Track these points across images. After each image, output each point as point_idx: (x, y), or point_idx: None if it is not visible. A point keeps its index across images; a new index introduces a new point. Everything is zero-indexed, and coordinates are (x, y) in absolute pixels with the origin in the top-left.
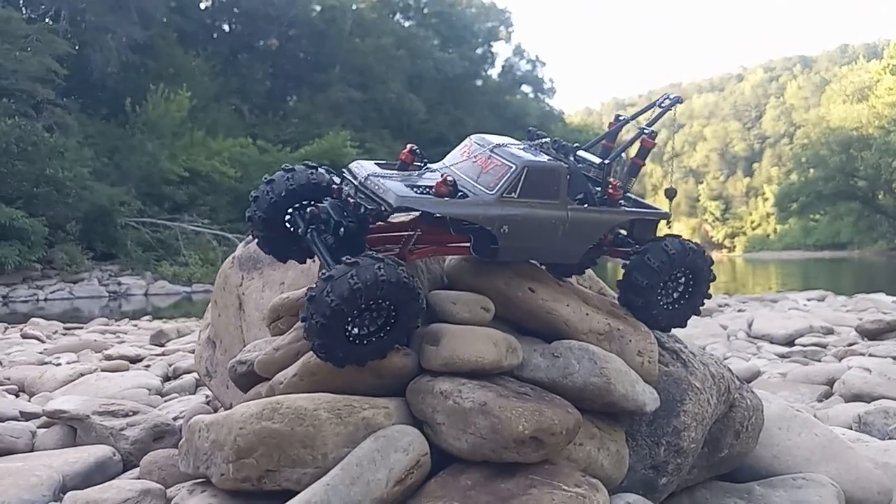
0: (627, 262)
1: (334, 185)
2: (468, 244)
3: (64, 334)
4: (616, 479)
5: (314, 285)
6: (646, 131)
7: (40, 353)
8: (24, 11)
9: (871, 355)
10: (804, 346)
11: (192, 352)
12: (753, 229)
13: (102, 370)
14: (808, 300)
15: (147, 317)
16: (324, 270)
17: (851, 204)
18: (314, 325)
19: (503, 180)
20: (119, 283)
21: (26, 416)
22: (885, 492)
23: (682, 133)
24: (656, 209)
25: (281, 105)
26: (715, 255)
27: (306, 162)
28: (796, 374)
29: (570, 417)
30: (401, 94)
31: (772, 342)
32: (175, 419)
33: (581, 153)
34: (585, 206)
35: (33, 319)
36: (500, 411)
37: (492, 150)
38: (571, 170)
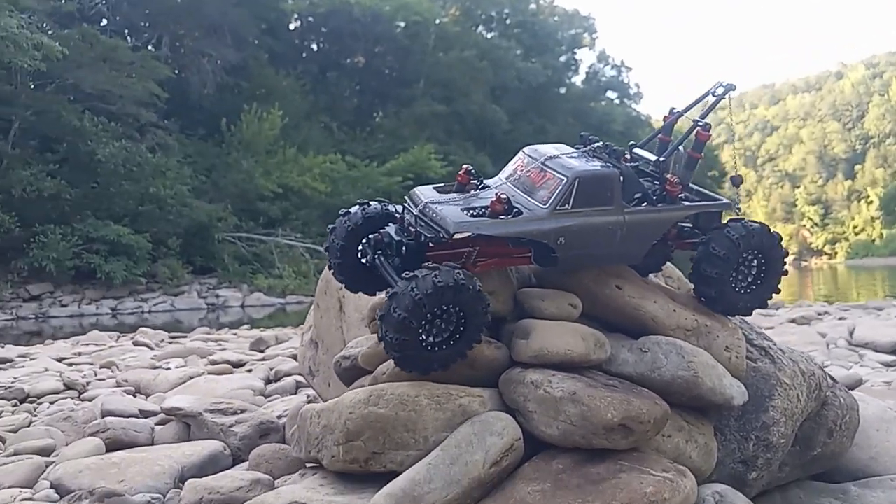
0: (693, 258)
1: (388, 211)
2: (529, 254)
3: (170, 343)
4: (705, 472)
5: (382, 305)
6: (700, 123)
7: (151, 359)
8: (129, 40)
9: None
10: None
11: (292, 357)
12: (856, 234)
13: (209, 373)
14: None
15: (245, 326)
16: (389, 289)
17: None
18: (390, 342)
19: (555, 193)
20: (217, 296)
21: (145, 414)
22: None
23: (777, 135)
24: (718, 199)
25: (368, 121)
26: (814, 262)
27: (378, 198)
28: None
29: (657, 408)
30: (483, 106)
31: (876, 350)
32: (279, 417)
33: (637, 150)
34: (643, 206)
35: (142, 329)
36: (589, 400)
37: (543, 164)
38: (624, 173)
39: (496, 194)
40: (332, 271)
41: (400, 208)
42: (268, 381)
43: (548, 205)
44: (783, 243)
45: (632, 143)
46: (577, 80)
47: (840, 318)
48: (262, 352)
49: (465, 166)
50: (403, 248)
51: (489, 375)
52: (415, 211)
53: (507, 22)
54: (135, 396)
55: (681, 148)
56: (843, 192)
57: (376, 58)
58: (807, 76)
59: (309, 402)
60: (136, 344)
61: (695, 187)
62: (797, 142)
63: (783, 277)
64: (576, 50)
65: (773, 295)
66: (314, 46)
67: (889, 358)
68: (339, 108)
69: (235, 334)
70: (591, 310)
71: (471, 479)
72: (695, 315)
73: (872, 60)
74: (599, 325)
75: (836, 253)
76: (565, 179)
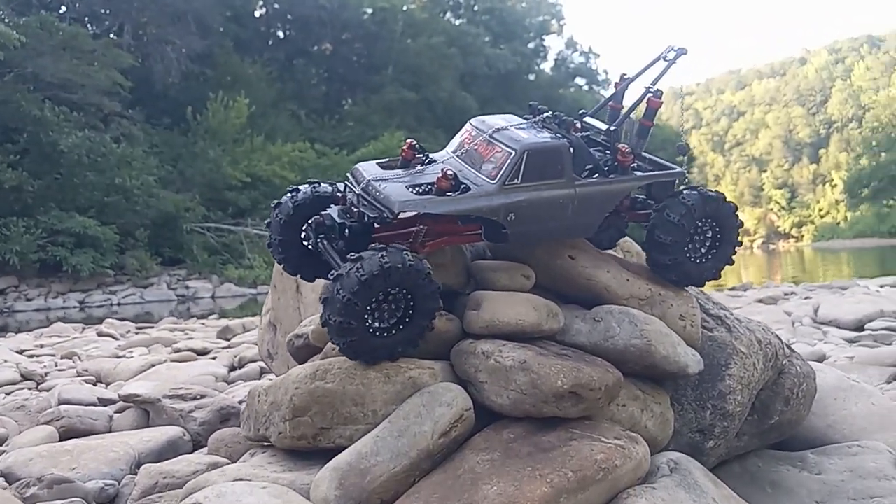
0: (647, 224)
1: (338, 194)
2: (479, 231)
3: (136, 333)
4: (661, 441)
5: (325, 288)
6: (651, 90)
7: (115, 349)
8: (89, 28)
9: None
10: (874, 330)
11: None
12: (822, 217)
13: (172, 361)
14: (881, 286)
15: (214, 316)
16: (330, 275)
17: None
18: (334, 326)
19: (504, 168)
20: (187, 287)
21: (104, 402)
22: None
23: (744, 120)
24: (670, 168)
25: (337, 108)
26: (782, 245)
27: (309, 179)
28: (864, 357)
29: (609, 376)
30: (453, 93)
31: (839, 327)
32: (240, 402)
33: (588, 120)
34: (595, 177)
35: (108, 320)
36: (538, 368)
37: (491, 136)
38: (574, 144)
39: (442, 170)
40: (271, 250)
41: (330, 186)
42: (232, 368)
43: (496, 180)
44: (738, 213)
45: (582, 111)
46: (546, 66)
47: (806, 298)
48: (228, 340)
49: (409, 140)
50: (346, 231)
51: (441, 348)
52: (357, 189)
53: (475, 8)
54: (95, 386)
55: (632, 116)
56: (808, 175)
57: (344, 45)
58: (772, 62)
59: None
60: (100, 335)
61: (647, 156)
62: (763, 126)
63: (738, 249)
64: (544, 37)
65: (727, 265)
66: (280, 34)
67: (851, 334)
68: (307, 96)
69: (203, 324)
70: (544, 281)
71: (419, 450)
72: (648, 284)
73: (835, 46)
74: (554, 296)
75: (802, 236)
76: (513, 153)
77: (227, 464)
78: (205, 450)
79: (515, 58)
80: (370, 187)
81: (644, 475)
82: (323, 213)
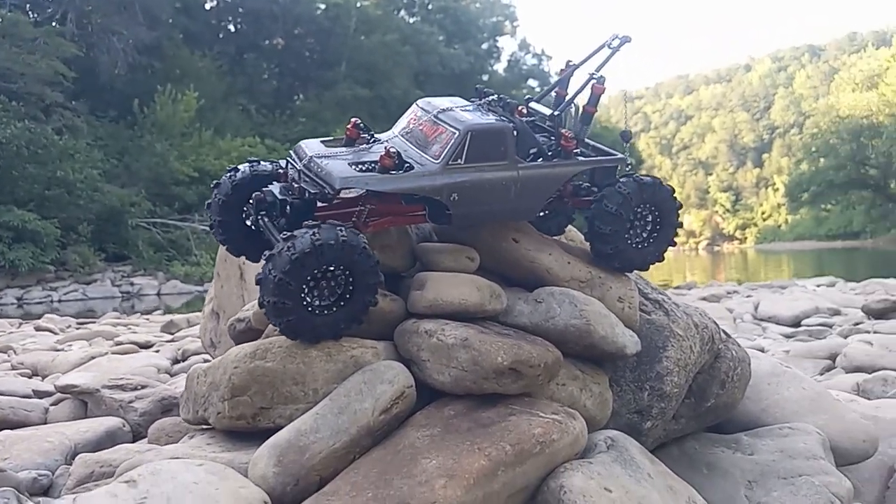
0: (587, 215)
1: (280, 170)
2: (423, 212)
3: (77, 328)
4: (600, 421)
5: (261, 269)
6: (595, 77)
7: (54, 343)
8: (30, 15)
9: (875, 332)
10: (810, 326)
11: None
12: (764, 220)
13: (113, 353)
14: (818, 286)
15: (159, 312)
16: (264, 255)
17: (863, 192)
18: (269, 306)
19: (447, 148)
20: (132, 284)
21: (39, 394)
22: (871, 440)
23: (691, 125)
24: (612, 155)
25: (288, 104)
26: (726, 246)
27: (249, 159)
28: (799, 350)
29: (549, 354)
30: (407, 91)
31: (778, 323)
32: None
33: (533, 105)
34: (538, 161)
35: (48, 315)
36: (480, 345)
37: (436, 117)
38: (518, 127)
39: (386, 148)
40: (212, 230)
41: (270, 164)
42: (175, 361)
43: (440, 159)
44: (676, 196)
45: (528, 97)
46: (500, 67)
47: (747, 296)
48: (172, 334)
49: (353, 119)
50: (287, 207)
51: (385, 328)
52: (299, 166)
53: (429, 7)
54: (31, 378)
55: (576, 102)
56: (752, 179)
57: (296, 39)
58: (718, 68)
59: None
60: (38, 329)
61: (590, 143)
62: (710, 131)
63: (678, 231)
64: (497, 37)
65: (670, 247)
66: (231, 27)
67: (789, 330)
68: (258, 91)
69: (147, 319)
70: (489, 264)
71: (359, 426)
72: (588, 267)
73: (778, 54)
74: (498, 279)
75: (745, 238)
76: (457, 133)
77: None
78: (145, 440)
79: (469, 58)
80: (312, 164)
81: (581, 450)
82: (264, 189)
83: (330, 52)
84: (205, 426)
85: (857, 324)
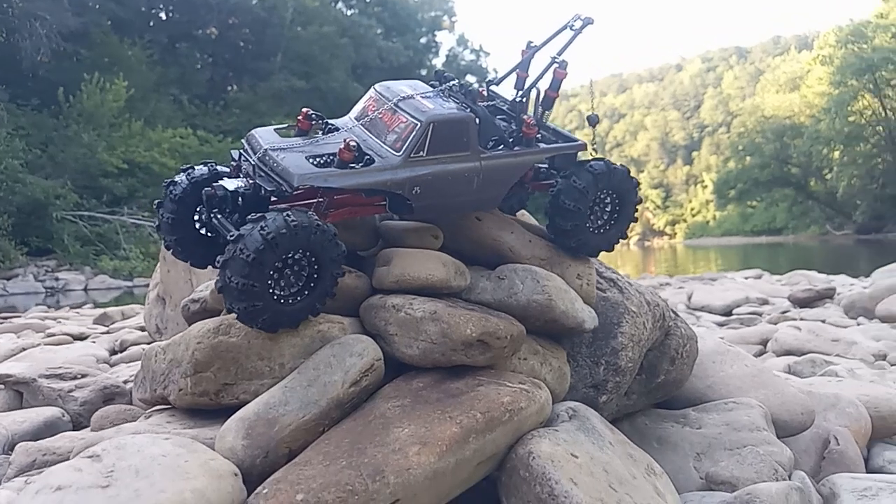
0: (553, 190)
1: (233, 162)
2: (384, 203)
3: (1, 322)
4: (559, 394)
5: (223, 253)
6: (557, 60)
7: None
8: None
9: (801, 319)
10: (741, 314)
11: (140, 328)
12: (693, 216)
13: (46, 345)
14: (746, 278)
15: (89, 306)
16: (229, 236)
17: (786, 190)
18: (234, 288)
19: (409, 140)
20: (56, 279)
21: None
22: (808, 412)
23: (624, 123)
24: (574, 141)
25: (221, 95)
26: (656, 241)
27: (203, 160)
28: (732, 337)
29: (514, 327)
30: (345, 83)
31: (710, 312)
32: (125, 382)
33: (494, 89)
34: (500, 149)
35: None
36: (448, 317)
37: (396, 105)
38: (480, 115)
39: (345, 140)
40: (170, 250)
41: (234, 160)
42: (113, 352)
43: (401, 152)
44: (639, 189)
45: (488, 79)
46: (438, 62)
47: (679, 288)
48: (106, 326)
49: (304, 109)
50: (240, 199)
51: (350, 304)
52: (253, 159)
53: (367, 0)
54: None
55: (537, 86)
56: (682, 177)
57: (231, 29)
58: (651, 67)
59: None
60: None
61: (551, 126)
62: (642, 129)
63: (632, 225)
64: (436, 32)
65: (621, 239)
66: (162, 15)
67: (721, 318)
68: (190, 81)
69: (78, 312)
70: (452, 242)
71: (329, 399)
72: (549, 245)
73: (707, 55)
74: (460, 258)
75: (675, 233)
76: (419, 124)
77: None
78: (88, 429)
79: (408, 52)
80: (267, 157)
81: (546, 419)
82: (214, 184)
83: (266, 42)
84: (162, 405)
85: (785, 311)
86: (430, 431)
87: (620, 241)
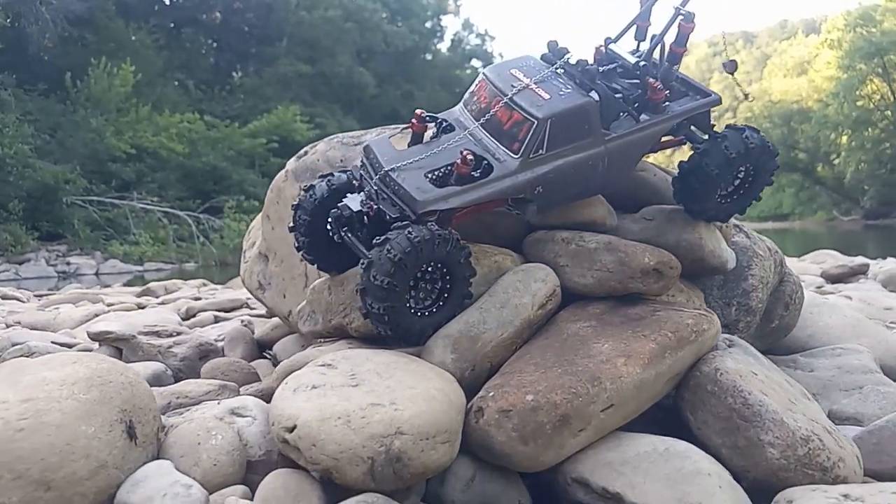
0: (698, 148)
1: (354, 182)
2: (506, 202)
3: (50, 296)
4: None
5: (358, 280)
6: (682, 12)
7: (36, 308)
8: None
9: (839, 293)
10: None
11: (194, 299)
12: None
13: (113, 311)
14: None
15: (118, 284)
16: (362, 261)
17: (793, 175)
18: (377, 314)
19: (527, 141)
20: (68, 263)
21: (60, 346)
22: None
23: None
24: (707, 95)
25: (227, 80)
26: None
27: (342, 168)
28: None
29: (676, 259)
30: (350, 68)
31: None
32: (216, 340)
33: (613, 48)
34: (626, 128)
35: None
36: (625, 247)
37: (511, 100)
38: (601, 94)
39: (462, 154)
40: (300, 251)
41: (354, 177)
42: (184, 318)
43: (519, 154)
44: (777, 170)
45: (608, 37)
46: (443, 47)
47: None
48: (156, 297)
49: (418, 111)
50: (366, 218)
51: (508, 241)
52: (374, 181)
53: None
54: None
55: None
56: None
57: (235, 14)
58: None
59: (245, 326)
60: (4, 298)
61: (682, 77)
62: None
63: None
64: (441, 16)
65: (739, 214)
66: (167, 0)
67: None
68: (196, 66)
69: (110, 287)
70: None
71: (521, 319)
72: None
73: (713, 39)
74: None
75: None
76: (536, 122)
77: (235, 386)
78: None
79: (413, 36)
80: (388, 179)
81: (714, 346)
82: (339, 205)
83: (270, 27)
84: (332, 337)
85: (820, 287)
86: (629, 347)
87: (737, 215)
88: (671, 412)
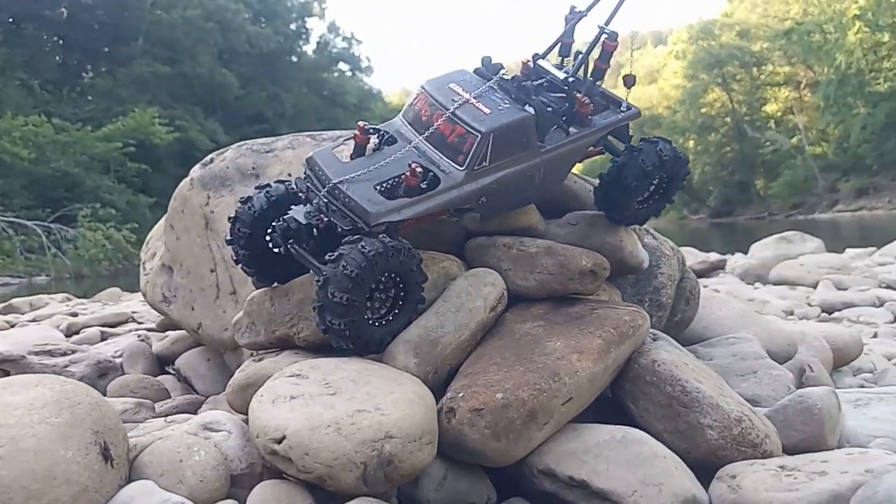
0: (617, 162)
1: (300, 194)
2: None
3: None
4: None
5: (315, 297)
6: (606, 32)
7: None
8: None
9: (705, 287)
10: None
11: (71, 314)
12: None
13: None
14: None
15: None
16: (317, 278)
17: None
18: (337, 304)
19: (471, 154)
20: None
21: None
22: (793, 344)
23: None
24: (626, 110)
25: (77, 80)
26: None
27: (279, 179)
28: None
29: (607, 261)
30: (212, 69)
31: None
32: (114, 357)
33: (542, 63)
34: (558, 141)
35: None
36: (563, 251)
37: (453, 114)
38: (536, 109)
39: (410, 166)
40: (239, 264)
41: (299, 189)
42: (66, 335)
43: (464, 166)
44: (688, 164)
45: (535, 53)
46: (308, 49)
47: None
48: (22, 314)
49: (360, 123)
50: (315, 231)
51: (451, 247)
52: (323, 193)
53: None
54: None
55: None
56: None
57: (83, 10)
58: (517, 60)
59: (143, 340)
60: None
61: (604, 91)
62: None
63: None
64: (306, 18)
65: (653, 217)
66: None
67: None
68: (41, 65)
69: None
70: None
71: (476, 322)
72: None
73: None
74: None
75: None
76: (479, 136)
77: (150, 403)
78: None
79: (278, 37)
80: (337, 191)
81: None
82: (285, 216)
83: (124, 25)
84: (274, 349)
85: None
86: (580, 343)
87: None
88: (609, 402)
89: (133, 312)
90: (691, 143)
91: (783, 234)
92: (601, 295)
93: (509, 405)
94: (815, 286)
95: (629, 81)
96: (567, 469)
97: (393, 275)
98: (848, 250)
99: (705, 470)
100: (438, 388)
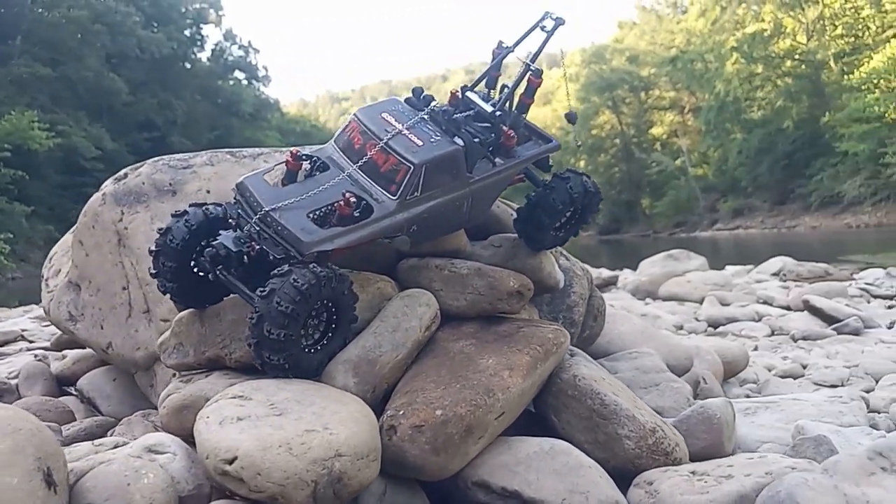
0: (532, 195)
1: (230, 219)
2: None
3: None
4: None
5: (248, 332)
6: (532, 68)
7: None
8: None
9: None
10: None
11: None
12: None
13: None
14: None
15: None
16: (250, 315)
17: None
18: (274, 341)
19: (403, 184)
20: None
21: None
22: (689, 358)
23: None
24: (548, 143)
25: None
26: None
27: (194, 202)
28: None
29: (531, 281)
30: (99, 73)
31: None
32: (9, 378)
33: (470, 96)
34: (485, 172)
35: None
36: (493, 273)
37: (387, 145)
38: (466, 142)
39: (344, 195)
40: (166, 294)
41: (222, 208)
42: None
43: (397, 196)
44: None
45: (464, 85)
46: (203, 56)
47: None
48: None
49: (293, 149)
50: (245, 258)
51: (384, 268)
52: (254, 220)
53: None
54: None
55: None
56: None
57: None
58: (419, 76)
59: (40, 360)
60: None
61: (528, 124)
62: None
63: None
64: (201, 25)
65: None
66: None
67: None
68: None
69: None
70: None
71: (412, 341)
72: None
73: (470, 67)
74: None
75: None
76: (412, 168)
77: (56, 426)
78: None
79: (171, 43)
80: (269, 219)
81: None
82: (214, 243)
83: (1, 22)
84: (203, 370)
85: None
86: (510, 360)
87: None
88: (532, 415)
89: (23, 330)
90: (582, 163)
91: (670, 252)
92: (522, 314)
93: (448, 421)
94: (701, 302)
95: (572, 118)
96: (500, 480)
97: (326, 301)
98: (728, 267)
99: (623, 477)
100: (376, 406)
